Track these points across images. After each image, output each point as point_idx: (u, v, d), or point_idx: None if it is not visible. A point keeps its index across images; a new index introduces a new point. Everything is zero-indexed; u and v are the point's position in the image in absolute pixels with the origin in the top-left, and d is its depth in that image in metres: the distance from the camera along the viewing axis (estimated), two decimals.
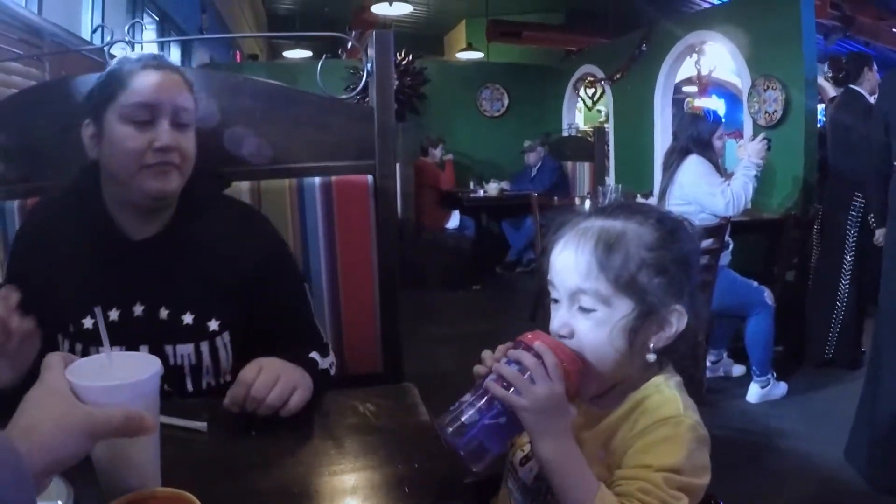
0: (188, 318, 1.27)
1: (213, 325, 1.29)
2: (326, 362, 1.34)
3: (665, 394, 0.91)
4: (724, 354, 3.93)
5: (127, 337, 1.19)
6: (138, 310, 1.27)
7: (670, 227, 0.93)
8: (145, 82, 1.22)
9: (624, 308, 0.89)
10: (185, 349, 1.27)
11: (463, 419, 0.85)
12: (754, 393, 3.53)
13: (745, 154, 3.50)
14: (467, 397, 0.88)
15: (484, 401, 0.86)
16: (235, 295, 1.31)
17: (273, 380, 1.13)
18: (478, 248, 6.58)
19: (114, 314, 1.26)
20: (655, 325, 0.91)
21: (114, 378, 0.78)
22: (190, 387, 1.29)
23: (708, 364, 3.74)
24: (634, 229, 0.91)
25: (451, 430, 0.85)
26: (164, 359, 1.24)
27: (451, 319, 4.99)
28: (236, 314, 1.32)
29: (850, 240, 3.85)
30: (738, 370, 3.88)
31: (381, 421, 1.16)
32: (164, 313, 1.27)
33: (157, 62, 1.26)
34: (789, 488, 2.74)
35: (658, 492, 0.82)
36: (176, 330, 1.27)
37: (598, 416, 0.95)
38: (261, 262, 1.35)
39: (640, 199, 3.86)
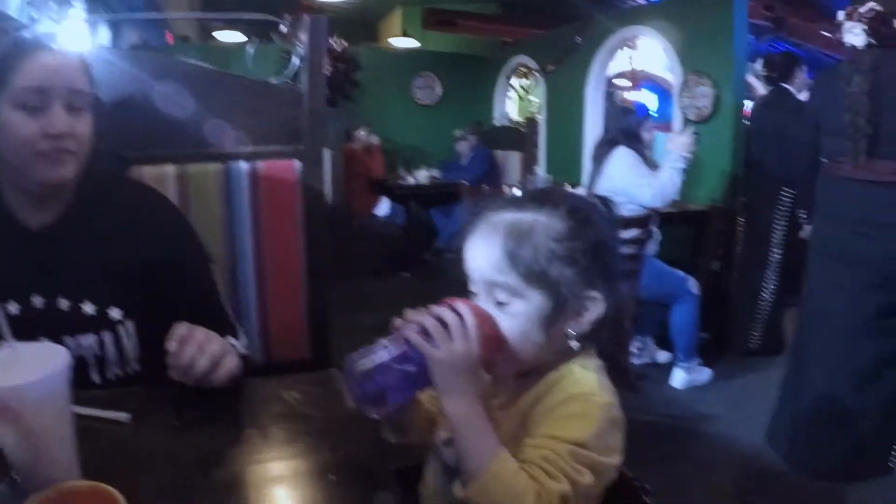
0: (89, 308, 1.21)
1: (116, 313, 1.23)
2: (242, 346, 1.30)
3: (582, 373, 0.92)
4: (650, 341, 4.01)
5: (28, 330, 1.13)
6: (38, 301, 1.20)
7: (582, 216, 0.92)
8: (36, 65, 1.13)
9: (537, 300, 0.89)
10: (88, 340, 1.21)
11: (373, 357, 0.85)
12: (679, 379, 3.62)
13: (674, 147, 3.57)
14: (383, 341, 0.87)
15: (398, 347, 0.86)
16: (138, 281, 1.25)
17: (208, 336, 1.12)
18: (407, 235, 6.56)
19: (13, 307, 1.19)
20: (572, 312, 0.91)
21: (21, 372, 0.74)
22: (97, 378, 1.23)
23: (634, 351, 3.81)
24: (544, 221, 0.90)
25: (360, 369, 0.84)
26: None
27: (381, 306, 4.87)
28: (140, 302, 1.26)
29: (778, 233, 3.97)
30: (663, 357, 3.96)
31: (306, 408, 1.14)
32: (63, 304, 1.21)
33: (47, 43, 1.16)
34: (714, 472, 2.82)
35: (561, 462, 0.82)
36: (77, 321, 1.21)
37: (516, 396, 0.95)
38: (163, 246, 1.30)
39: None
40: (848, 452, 2.63)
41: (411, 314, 0.90)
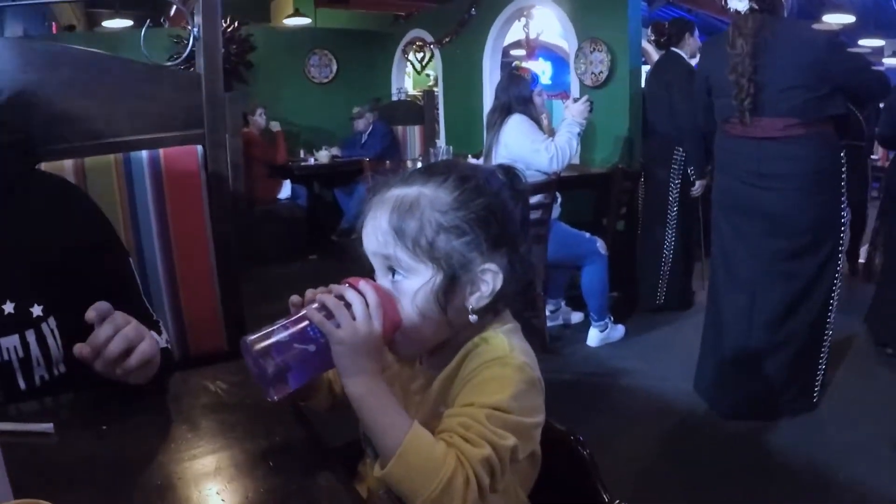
0: (9, 307, 1.15)
1: (37, 310, 1.17)
2: (164, 340, 1.26)
3: (493, 340, 0.92)
4: (563, 303, 4.11)
5: None
6: None
7: (470, 185, 0.90)
8: None
9: (427, 274, 0.88)
10: (11, 341, 1.14)
11: (272, 339, 0.83)
12: (594, 337, 3.73)
13: (570, 114, 3.63)
14: (281, 321, 0.85)
15: (299, 326, 0.84)
16: (57, 275, 1.19)
17: (126, 318, 1.07)
18: (311, 217, 6.49)
19: None
20: (469, 286, 0.90)
21: None
22: (22, 384, 1.16)
23: (547, 313, 3.88)
24: (429, 194, 0.90)
25: (257, 347, 0.82)
26: None
27: (291, 290, 4.83)
28: (60, 296, 1.20)
29: (673, 192, 4.12)
30: (576, 317, 4.08)
31: (234, 397, 1.11)
32: None
33: None
34: (639, 423, 2.92)
35: (479, 427, 0.82)
36: None
37: (434, 377, 0.95)
38: (80, 236, 1.24)
39: (471, 160, 3.92)
40: (767, 390, 2.78)
41: (311, 293, 0.89)
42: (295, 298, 0.90)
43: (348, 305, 0.85)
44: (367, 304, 0.85)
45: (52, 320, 1.19)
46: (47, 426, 0.99)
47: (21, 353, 1.15)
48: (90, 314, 1.04)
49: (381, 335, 0.85)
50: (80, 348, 1.04)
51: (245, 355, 0.84)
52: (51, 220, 1.22)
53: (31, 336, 1.16)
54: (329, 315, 0.84)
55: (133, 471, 0.89)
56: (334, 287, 0.88)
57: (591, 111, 3.69)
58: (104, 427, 1.02)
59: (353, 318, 0.84)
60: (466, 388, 0.87)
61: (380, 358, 0.87)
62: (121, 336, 1.05)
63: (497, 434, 0.82)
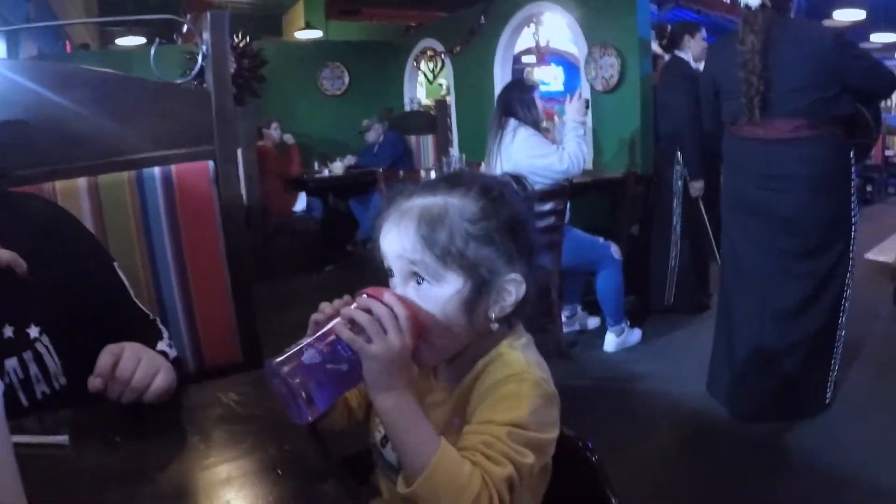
0: (8, 332, 1.16)
1: (34, 331, 1.18)
2: (168, 348, 1.27)
3: (509, 356, 0.92)
4: (579, 308, 4.10)
5: None
6: None
7: (494, 195, 0.91)
8: None
9: (456, 283, 0.89)
10: (11, 364, 1.16)
11: (301, 360, 0.81)
12: (611, 342, 3.71)
13: (569, 115, 3.61)
14: (305, 341, 0.83)
15: (327, 344, 0.82)
16: (50, 294, 1.21)
17: (137, 359, 1.08)
18: (327, 228, 6.49)
19: None
20: (494, 295, 0.91)
21: None
22: (25, 401, 1.18)
23: (563, 319, 3.87)
24: (456, 203, 0.90)
25: (285, 370, 0.81)
26: None
27: (308, 302, 4.86)
28: (54, 314, 1.22)
29: (677, 194, 4.11)
30: (593, 322, 4.06)
31: (246, 409, 1.12)
32: None
33: None
34: (656, 427, 2.91)
35: (501, 445, 0.82)
36: None
37: (449, 390, 0.96)
38: (65, 253, 1.26)
39: (483, 168, 3.92)
40: (780, 391, 2.76)
41: (328, 307, 0.88)
42: (318, 316, 0.88)
43: (376, 319, 0.83)
44: (395, 317, 0.84)
45: (45, 338, 1.20)
46: (63, 438, 1.01)
47: (21, 375, 1.17)
48: (95, 382, 1.06)
49: (411, 348, 0.85)
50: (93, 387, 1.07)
51: (271, 378, 0.83)
52: (34, 241, 1.23)
53: (27, 356, 1.17)
54: (358, 330, 0.83)
55: (146, 481, 0.91)
56: (360, 301, 0.86)
57: (588, 108, 3.68)
58: (118, 439, 1.03)
59: (385, 332, 0.83)
60: (484, 404, 0.88)
61: (410, 371, 0.86)
62: (140, 377, 1.08)
63: (518, 452, 0.83)
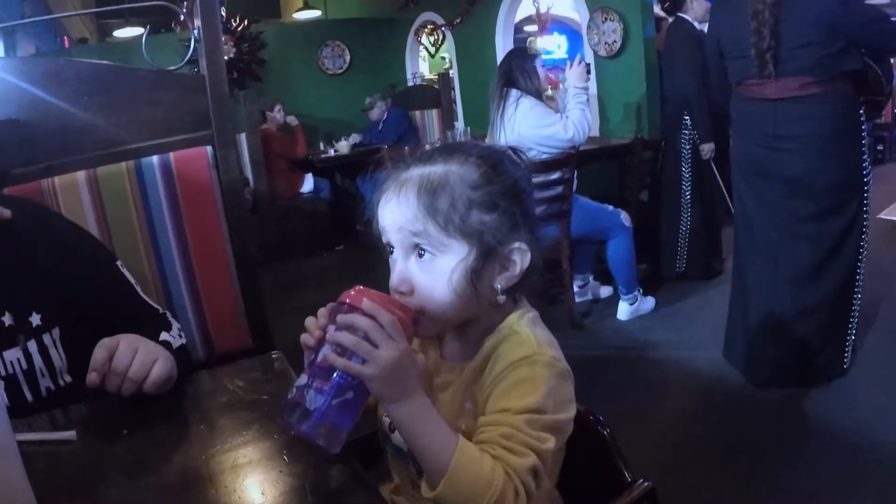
0: (8, 319, 1.16)
1: (36, 319, 1.18)
2: (176, 337, 1.27)
3: (519, 335, 0.90)
4: (591, 278, 4.08)
5: None
6: None
7: (493, 161, 0.90)
8: None
9: (460, 251, 0.86)
10: (13, 354, 1.16)
11: (307, 406, 0.79)
12: (624, 310, 3.70)
13: (571, 81, 3.57)
14: (303, 379, 0.81)
15: (324, 380, 0.79)
16: (50, 287, 1.21)
17: (132, 350, 1.08)
18: (335, 208, 6.48)
19: None
20: (498, 266, 0.89)
21: None
22: (29, 396, 1.18)
23: (575, 289, 3.86)
24: (456, 170, 0.88)
25: (296, 420, 0.79)
26: None
27: (319, 283, 4.96)
28: (59, 308, 1.22)
29: (686, 158, 4.07)
30: (605, 291, 4.04)
31: (252, 395, 1.12)
32: None
33: None
34: (671, 394, 2.90)
35: (521, 435, 0.81)
36: None
37: (458, 370, 0.94)
38: (60, 249, 1.25)
39: (487, 140, 3.88)
40: (797, 357, 2.74)
41: (313, 327, 0.84)
42: (307, 339, 0.84)
43: (363, 335, 0.79)
44: (381, 326, 0.80)
45: (55, 331, 1.20)
46: (70, 434, 1.01)
47: (24, 365, 1.17)
48: (91, 377, 1.06)
49: (407, 349, 0.82)
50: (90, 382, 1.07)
51: (285, 426, 0.81)
52: (31, 240, 1.23)
53: (32, 346, 1.17)
54: (350, 353, 0.79)
55: (153, 472, 0.91)
56: (340, 318, 0.81)
57: (589, 73, 3.63)
58: (125, 431, 1.04)
59: (377, 347, 0.79)
60: (497, 390, 0.86)
61: (414, 368, 0.83)
62: (136, 368, 1.07)
63: (538, 438, 0.82)
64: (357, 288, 0.84)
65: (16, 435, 0.78)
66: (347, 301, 0.82)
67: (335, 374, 0.79)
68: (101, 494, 0.85)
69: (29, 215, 1.27)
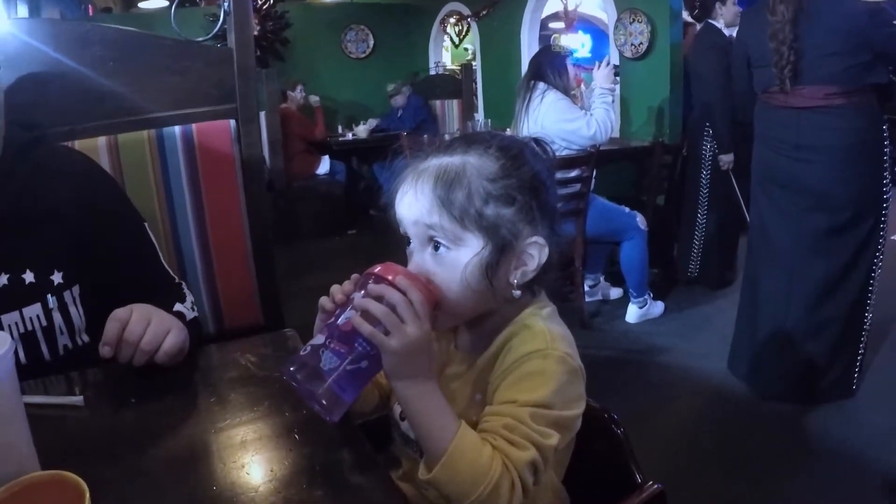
0: (29, 277, 1.16)
1: (57, 277, 1.18)
2: (189, 309, 1.26)
3: (533, 329, 0.88)
4: (601, 278, 4.07)
5: None
6: None
7: (513, 153, 0.88)
8: None
9: (475, 246, 0.85)
10: (33, 310, 1.15)
11: (321, 366, 0.77)
12: (633, 313, 3.68)
13: (598, 82, 3.56)
14: (320, 339, 0.80)
15: (344, 343, 0.78)
16: (75, 245, 1.21)
17: (145, 321, 1.07)
18: (350, 192, 6.47)
19: None
20: (515, 260, 0.87)
21: None
22: (46, 353, 1.18)
23: (586, 288, 3.85)
24: (474, 162, 0.86)
25: (305, 376, 0.78)
26: (14, 327, 1.14)
27: (331, 266, 4.94)
28: (81, 265, 1.21)
29: (706, 165, 4.03)
30: (615, 293, 4.03)
31: (263, 371, 1.11)
32: (3, 278, 1.15)
33: None
34: (675, 400, 2.88)
35: (524, 428, 0.80)
36: (19, 292, 1.15)
37: (470, 362, 0.93)
38: (95, 206, 1.25)
39: (509, 133, 3.85)
40: (804, 372, 2.71)
41: (337, 291, 0.84)
42: (326, 302, 0.85)
43: (393, 308, 0.79)
44: (411, 303, 0.79)
45: (75, 289, 1.20)
46: (77, 399, 1.00)
47: (44, 322, 1.17)
48: (104, 351, 1.05)
49: (430, 331, 0.81)
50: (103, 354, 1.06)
51: (293, 383, 0.79)
52: (63, 192, 1.23)
53: (52, 303, 1.17)
54: (372, 319, 0.78)
55: (160, 443, 0.90)
56: (371, 288, 0.80)
57: (617, 75, 3.61)
58: (133, 400, 1.03)
59: (404, 322, 0.78)
60: (506, 381, 0.85)
61: (431, 353, 0.83)
62: (148, 339, 1.07)
63: (542, 434, 0.80)
64: (386, 264, 0.83)
65: (23, 397, 0.77)
66: (377, 271, 0.82)
67: (356, 341, 0.78)
68: (106, 463, 0.84)
69: (72, 165, 1.28)
